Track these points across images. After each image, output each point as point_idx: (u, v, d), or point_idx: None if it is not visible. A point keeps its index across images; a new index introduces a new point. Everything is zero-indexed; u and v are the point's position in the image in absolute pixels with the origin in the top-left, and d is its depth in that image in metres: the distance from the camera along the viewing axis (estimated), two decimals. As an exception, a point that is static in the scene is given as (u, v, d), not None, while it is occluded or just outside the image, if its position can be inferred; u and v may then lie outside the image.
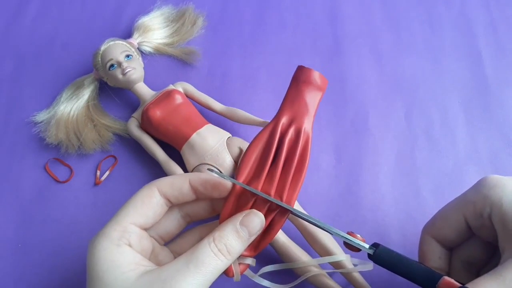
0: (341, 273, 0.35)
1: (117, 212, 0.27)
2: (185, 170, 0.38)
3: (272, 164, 0.29)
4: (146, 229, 0.28)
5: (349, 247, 0.28)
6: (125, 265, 0.25)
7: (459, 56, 0.47)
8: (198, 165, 0.38)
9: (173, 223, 0.29)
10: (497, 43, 0.48)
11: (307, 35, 0.49)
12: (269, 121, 0.31)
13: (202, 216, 0.30)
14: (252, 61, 0.47)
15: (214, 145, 0.38)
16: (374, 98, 0.45)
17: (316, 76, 0.30)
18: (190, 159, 0.38)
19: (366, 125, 0.44)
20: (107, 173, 0.41)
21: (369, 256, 0.28)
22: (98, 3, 0.51)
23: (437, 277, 0.26)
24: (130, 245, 0.26)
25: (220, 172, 0.34)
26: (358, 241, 0.28)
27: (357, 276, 0.34)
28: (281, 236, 0.35)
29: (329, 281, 0.34)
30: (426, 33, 0.49)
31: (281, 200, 0.28)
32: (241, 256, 0.28)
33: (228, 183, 0.28)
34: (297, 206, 0.37)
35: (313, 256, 0.35)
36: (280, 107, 0.30)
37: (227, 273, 0.27)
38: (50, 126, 0.42)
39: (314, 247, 0.35)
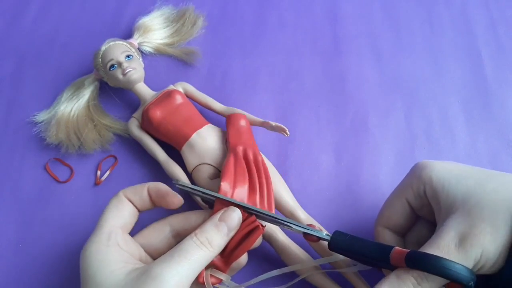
0: (340, 272, 0.35)
1: (98, 222, 0.29)
2: (185, 170, 0.39)
3: (249, 170, 0.35)
4: (127, 230, 0.30)
5: (309, 238, 0.31)
6: (114, 264, 0.26)
7: (459, 56, 0.47)
8: (198, 165, 0.38)
9: (162, 240, 0.31)
10: (497, 43, 0.48)
11: (307, 35, 0.49)
12: (269, 121, 0.39)
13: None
14: (252, 61, 0.47)
15: (214, 145, 0.38)
16: (374, 98, 0.45)
17: (243, 118, 0.39)
18: (190, 159, 0.38)
19: (366, 125, 0.44)
20: (107, 173, 0.41)
21: (328, 245, 0.31)
22: (98, 4, 0.51)
23: (389, 249, 0.28)
24: (117, 244, 0.28)
25: (190, 186, 0.34)
26: (315, 230, 0.31)
27: (356, 276, 0.34)
28: (280, 236, 0.35)
29: (329, 281, 0.34)
30: (426, 33, 0.49)
31: (264, 206, 0.34)
32: (214, 269, 0.30)
33: (177, 198, 0.31)
34: (295, 204, 0.37)
35: (312, 256, 0.35)
36: (230, 141, 0.37)
37: (198, 278, 0.29)
38: (51, 126, 0.42)
39: (314, 247, 0.35)
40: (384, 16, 0.50)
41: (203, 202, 0.37)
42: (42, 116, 0.43)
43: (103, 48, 0.42)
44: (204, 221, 0.30)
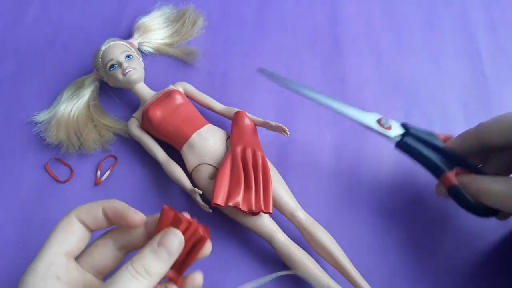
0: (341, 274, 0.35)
1: (43, 245, 0.27)
2: (185, 170, 0.39)
3: (245, 172, 0.36)
4: (75, 258, 0.28)
5: None
6: None
7: (459, 56, 0.47)
8: (198, 165, 0.38)
9: (108, 256, 0.29)
10: (497, 43, 0.48)
11: (307, 35, 0.49)
12: (269, 121, 0.39)
13: (138, 246, 0.28)
14: (252, 61, 0.47)
15: (214, 145, 0.38)
16: (374, 98, 0.45)
17: (246, 116, 0.40)
18: (190, 159, 0.38)
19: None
20: (107, 173, 0.41)
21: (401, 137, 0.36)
22: (98, 4, 0.51)
23: (447, 169, 0.33)
24: (57, 278, 0.26)
25: None
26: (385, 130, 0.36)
27: (358, 276, 0.34)
28: (280, 236, 0.35)
29: (329, 281, 0.34)
30: (426, 33, 0.49)
31: (260, 205, 0.34)
32: (169, 280, 0.28)
33: (138, 215, 0.27)
34: (295, 204, 0.37)
35: (312, 256, 0.35)
36: (231, 140, 0.38)
37: None
38: (51, 126, 0.42)
39: (314, 247, 0.35)
40: (384, 16, 0.50)
41: (203, 202, 0.37)
42: (42, 116, 0.43)
43: (103, 48, 0.42)
44: (147, 233, 0.28)
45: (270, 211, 0.35)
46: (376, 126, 0.36)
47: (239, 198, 0.34)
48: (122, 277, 0.24)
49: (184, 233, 0.26)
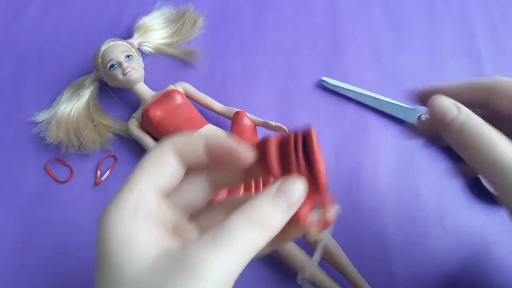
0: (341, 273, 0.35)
1: (129, 177, 0.22)
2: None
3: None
4: (164, 194, 0.23)
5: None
6: (138, 244, 0.20)
7: (459, 56, 0.47)
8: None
9: (199, 192, 0.24)
10: (497, 43, 0.48)
11: (307, 35, 0.49)
12: (269, 121, 0.39)
13: (234, 183, 0.25)
14: (252, 61, 0.47)
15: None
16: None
17: (246, 116, 0.39)
18: (190, 159, 0.38)
19: (366, 125, 0.44)
20: (107, 173, 0.41)
21: None
22: (98, 4, 0.51)
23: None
24: (147, 216, 0.21)
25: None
26: None
27: (357, 276, 0.34)
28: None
29: (329, 282, 0.34)
30: (426, 33, 0.49)
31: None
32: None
33: (248, 154, 0.22)
34: None
35: (312, 255, 0.35)
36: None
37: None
38: (51, 126, 0.42)
39: (314, 247, 0.35)
40: (384, 16, 0.50)
41: None
42: (42, 116, 0.43)
43: (103, 48, 0.42)
44: (245, 170, 0.24)
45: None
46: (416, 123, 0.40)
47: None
48: (236, 226, 0.20)
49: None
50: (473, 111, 0.25)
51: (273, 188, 0.22)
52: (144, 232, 0.20)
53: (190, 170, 0.24)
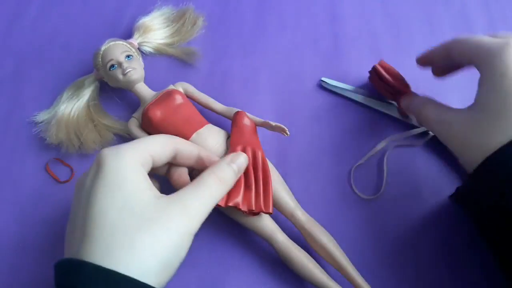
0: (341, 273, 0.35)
1: (135, 141, 0.30)
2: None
3: (245, 173, 0.35)
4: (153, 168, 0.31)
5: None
6: (146, 183, 0.28)
7: (459, 56, 0.47)
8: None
9: (165, 155, 0.32)
10: (497, 43, 0.48)
11: (307, 35, 0.49)
12: (269, 121, 0.39)
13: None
14: (252, 61, 0.47)
15: (214, 145, 0.38)
16: (374, 98, 0.45)
17: (246, 116, 0.40)
18: (190, 159, 0.38)
19: (366, 125, 0.44)
20: (107, 173, 0.41)
21: None
22: (98, 4, 0.51)
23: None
24: (142, 165, 0.28)
25: None
26: None
27: (357, 276, 0.34)
28: (280, 236, 0.35)
29: (330, 282, 0.34)
30: (426, 33, 0.49)
31: (260, 205, 0.35)
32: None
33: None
34: (295, 204, 0.37)
35: (312, 255, 0.36)
36: (231, 141, 0.38)
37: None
38: (51, 126, 0.42)
39: (314, 247, 0.36)
40: (384, 16, 0.50)
41: None
42: (42, 116, 0.43)
43: (103, 48, 0.42)
44: (199, 159, 0.33)
45: (270, 211, 0.34)
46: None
47: (239, 199, 0.34)
48: (210, 180, 0.30)
49: None
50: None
51: (228, 157, 0.32)
52: (146, 178, 0.28)
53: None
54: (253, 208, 0.34)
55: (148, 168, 0.29)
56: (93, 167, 0.28)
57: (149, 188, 0.27)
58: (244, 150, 0.36)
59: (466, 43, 0.33)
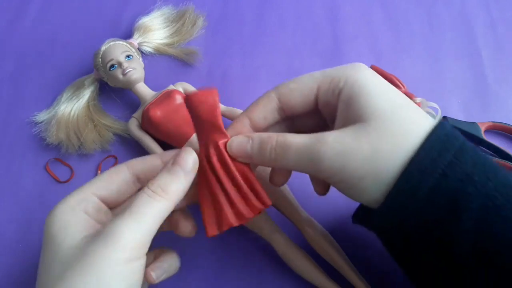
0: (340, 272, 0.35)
1: (82, 185, 0.28)
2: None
3: (221, 184, 0.28)
4: (109, 205, 0.28)
5: None
6: (73, 227, 0.25)
7: (459, 56, 0.47)
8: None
9: (122, 188, 0.29)
10: (497, 43, 0.48)
11: (307, 35, 0.49)
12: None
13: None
14: (252, 61, 0.47)
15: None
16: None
17: (199, 96, 0.28)
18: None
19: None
20: (107, 173, 0.41)
21: None
22: (98, 4, 0.51)
23: None
24: (86, 213, 0.26)
25: None
26: None
27: (358, 276, 0.34)
28: (281, 236, 0.35)
29: (330, 281, 0.34)
30: (426, 33, 0.49)
31: (256, 206, 0.29)
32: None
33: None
34: (295, 203, 0.37)
35: (311, 254, 0.35)
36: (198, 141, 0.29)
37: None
38: (51, 126, 0.42)
39: (315, 247, 0.36)
40: (384, 16, 0.50)
41: None
42: (42, 116, 0.43)
43: (103, 48, 0.42)
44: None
45: (268, 204, 0.29)
46: None
47: (230, 218, 0.28)
48: (140, 198, 0.25)
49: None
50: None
51: (169, 161, 0.27)
52: (78, 221, 0.26)
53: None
54: (251, 216, 0.29)
55: (96, 208, 0.27)
56: None
57: (77, 232, 0.25)
58: (208, 154, 0.28)
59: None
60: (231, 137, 0.28)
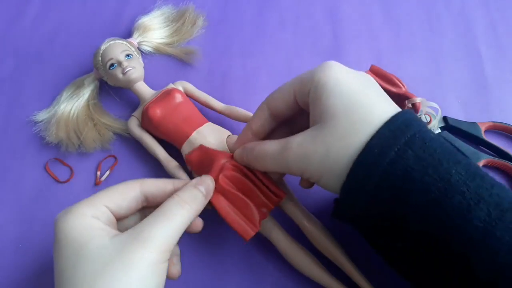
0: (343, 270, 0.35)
1: (92, 195, 0.28)
2: (186, 168, 0.39)
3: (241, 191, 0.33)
4: (115, 218, 0.29)
5: None
6: (96, 230, 0.26)
7: (459, 56, 0.47)
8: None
9: (131, 204, 0.30)
10: (497, 43, 0.48)
11: (307, 35, 0.49)
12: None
13: (160, 202, 0.30)
14: (252, 61, 0.47)
15: (214, 144, 0.38)
16: (374, 98, 0.45)
17: (194, 154, 0.37)
18: (191, 158, 0.38)
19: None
20: (107, 173, 0.41)
21: None
22: (98, 3, 0.51)
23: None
24: (98, 219, 0.27)
25: None
26: None
27: (359, 274, 0.34)
28: (282, 234, 0.35)
29: (331, 278, 0.34)
30: (426, 33, 0.49)
31: (274, 199, 0.33)
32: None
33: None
34: (293, 199, 0.37)
35: (313, 251, 0.35)
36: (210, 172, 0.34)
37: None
38: (51, 125, 0.42)
39: (316, 244, 0.36)
40: (384, 16, 0.50)
41: None
42: (42, 116, 0.43)
43: (102, 47, 0.42)
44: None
45: (282, 195, 0.33)
46: None
47: (259, 213, 0.33)
48: (171, 205, 0.28)
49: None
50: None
51: (194, 180, 0.31)
52: (99, 224, 0.27)
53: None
54: (272, 206, 0.33)
55: (108, 219, 0.28)
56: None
57: (103, 233, 0.26)
58: (221, 170, 0.33)
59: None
60: (237, 146, 0.33)
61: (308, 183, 0.32)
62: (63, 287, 0.25)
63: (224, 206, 0.32)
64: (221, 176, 0.32)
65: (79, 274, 0.25)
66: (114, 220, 0.29)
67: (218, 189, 0.32)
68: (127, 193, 0.29)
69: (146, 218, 0.27)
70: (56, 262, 0.26)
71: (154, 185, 0.30)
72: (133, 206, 0.30)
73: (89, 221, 0.27)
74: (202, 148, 0.36)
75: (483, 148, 0.41)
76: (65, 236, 0.26)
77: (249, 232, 0.32)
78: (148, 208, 0.31)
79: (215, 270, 0.37)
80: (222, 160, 0.33)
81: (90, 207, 0.27)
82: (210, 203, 0.34)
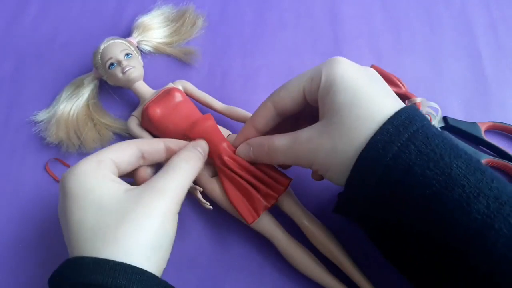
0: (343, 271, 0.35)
1: (96, 152, 0.30)
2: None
3: (244, 179, 0.35)
4: (118, 173, 0.31)
5: None
6: (110, 182, 0.28)
7: (459, 56, 0.47)
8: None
9: (131, 160, 0.32)
10: (497, 43, 0.48)
11: (307, 35, 0.49)
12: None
13: (156, 159, 0.33)
14: (252, 61, 0.47)
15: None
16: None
17: (201, 122, 0.37)
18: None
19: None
20: (107, 172, 0.41)
21: None
22: (98, 3, 0.51)
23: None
24: (108, 169, 0.29)
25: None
26: None
27: (360, 274, 0.34)
28: (282, 234, 0.35)
29: (331, 278, 0.34)
30: (426, 33, 0.49)
31: (279, 188, 0.35)
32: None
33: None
34: (294, 200, 0.37)
35: (313, 251, 0.35)
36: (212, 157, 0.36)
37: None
38: (50, 125, 0.42)
39: (316, 244, 0.36)
40: (384, 16, 0.50)
41: (203, 199, 0.36)
42: (42, 116, 0.43)
43: (102, 46, 0.42)
44: (169, 149, 0.33)
45: (285, 182, 0.35)
46: None
47: (262, 201, 0.34)
48: (179, 161, 0.31)
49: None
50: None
51: (191, 143, 0.34)
52: (111, 177, 0.29)
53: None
54: (277, 195, 0.35)
55: (114, 172, 0.30)
56: (60, 194, 0.29)
57: (117, 186, 0.28)
58: (221, 160, 0.35)
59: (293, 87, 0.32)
60: (240, 142, 0.35)
61: (318, 175, 0.33)
62: (82, 237, 0.26)
63: (231, 190, 0.35)
64: (226, 158, 0.35)
65: (100, 224, 0.26)
66: (117, 173, 0.31)
67: (224, 172, 0.35)
68: (127, 149, 0.31)
69: (157, 174, 0.30)
70: (71, 214, 0.27)
71: (147, 143, 0.33)
72: (132, 161, 0.32)
73: (102, 172, 0.28)
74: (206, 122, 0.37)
75: (483, 148, 0.41)
76: (79, 188, 0.27)
77: (252, 217, 0.34)
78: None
79: (215, 270, 0.37)
80: (223, 144, 0.35)
81: (98, 160, 0.29)
82: (210, 204, 0.35)
